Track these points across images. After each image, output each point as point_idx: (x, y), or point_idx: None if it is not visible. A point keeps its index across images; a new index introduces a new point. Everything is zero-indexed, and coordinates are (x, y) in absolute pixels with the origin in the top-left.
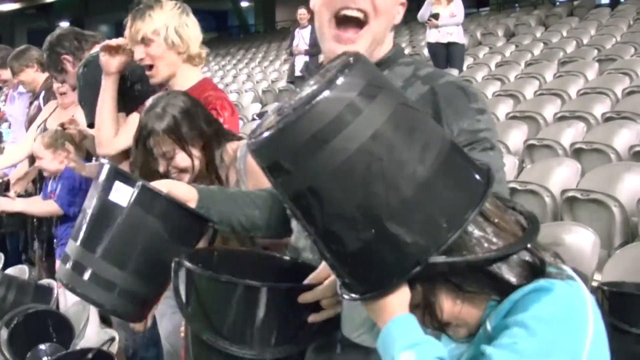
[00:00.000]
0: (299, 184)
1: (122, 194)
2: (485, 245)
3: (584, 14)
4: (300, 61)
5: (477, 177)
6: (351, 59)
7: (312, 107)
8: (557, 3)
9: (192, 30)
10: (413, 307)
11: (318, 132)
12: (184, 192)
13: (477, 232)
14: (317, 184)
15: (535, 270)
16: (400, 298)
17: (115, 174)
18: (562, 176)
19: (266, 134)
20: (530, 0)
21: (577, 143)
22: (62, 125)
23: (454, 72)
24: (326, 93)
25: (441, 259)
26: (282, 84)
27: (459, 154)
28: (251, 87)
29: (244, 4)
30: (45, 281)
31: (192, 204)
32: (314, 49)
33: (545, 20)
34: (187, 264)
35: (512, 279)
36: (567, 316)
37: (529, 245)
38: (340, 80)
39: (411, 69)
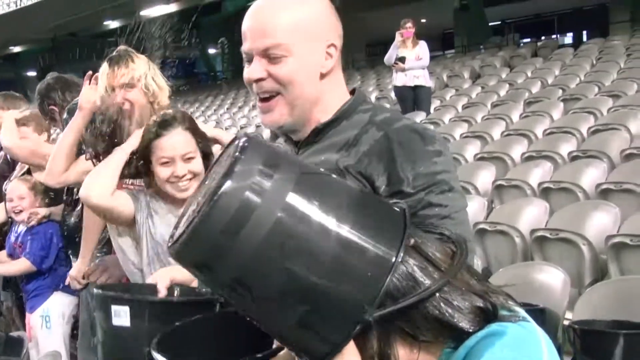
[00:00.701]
0: (224, 277)
1: (122, 316)
2: (427, 282)
3: (548, 54)
4: None
5: (395, 220)
6: (242, 142)
7: (214, 204)
8: (521, 44)
9: (162, 81)
10: (369, 359)
11: (226, 227)
12: (184, 273)
13: (415, 272)
14: (241, 274)
15: (488, 315)
16: (350, 359)
17: (109, 300)
18: (531, 216)
19: (180, 240)
20: (494, 41)
21: (544, 182)
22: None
23: (422, 114)
24: (226, 185)
25: (378, 312)
26: (251, 129)
27: (372, 203)
28: None
29: (211, 51)
30: (15, 333)
31: (195, 282)
32: None
33: (510, 61)
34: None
35: (465, 326)
36: (520, 357)
37: (485, 288)
38: (237, 168)
39: (368, 115)
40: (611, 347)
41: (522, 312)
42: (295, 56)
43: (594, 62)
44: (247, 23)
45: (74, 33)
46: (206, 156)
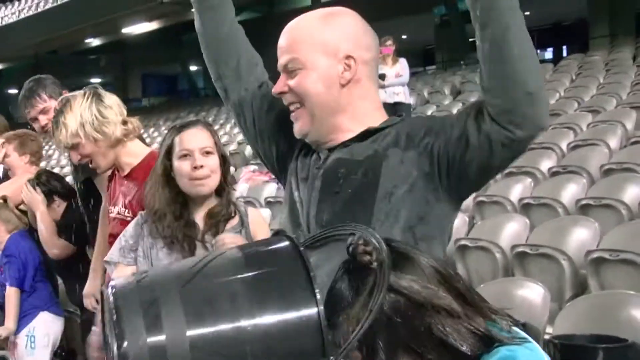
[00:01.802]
0: None
1: None
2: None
3: None
4: None
5: (296, 274)
6: (111, 298)
7: None
8: None
9: (108, 114)
10: None
11: None
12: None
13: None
14: None
15: (486, 339)
16: None
17: None
18: (511, 231)
19: None
20: (475, 57)
21: (525, 198)
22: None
23: None
24: (125, 348)
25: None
26: (233, 147)
27: (263, 274)
28: None
29: (193, 68)
30: (0, 352)
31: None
32: None
33: None
34: None
35: (466, 349)
36: None
37: (486, 309)
38: (124, 325)
39: (392, 135)
40: None
41: (521, 332)
42: (309, 69)
43: (574, 77)
44: (279, 42)
45: (55, 50)
46: (224, 160)
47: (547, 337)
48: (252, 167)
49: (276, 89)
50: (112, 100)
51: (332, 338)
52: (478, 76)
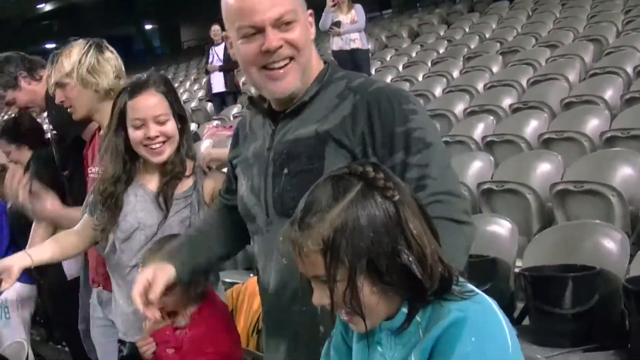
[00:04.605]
0: None
1: None
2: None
3: (484, 9)
4: (216, 78)
5: None
6: None
7: None
8: (457, 0)
9: (103, 65)
10: (338, 282)
11: None
12: (165, 277)
13: None
14: None
15: (443, 283)
16: None
17: None
18: (476, 169)
19: None
20: None
21: (488, 136)
22: None
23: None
24: None
25: None
26: (194, 104)
27: None
28: None
29: (147, 27)
30: None
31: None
32: (228, 64)
33: (447, 18)
34: None
35: (426, 285)
36: (489, 340)
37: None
38: None
39: (344, 82)
40: (561, 291)
41: (468, 284)
42: (300, 22)
43: (530, 13)
44: None
45: (8, 19)
46: (181, 119)
47: (517, 270)
48: (215, 123)
49: (272, 44)
50: (111, 55)
51: (301, 238)
52: (434, 17)
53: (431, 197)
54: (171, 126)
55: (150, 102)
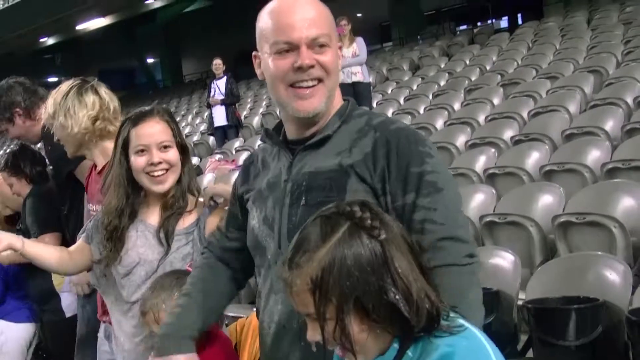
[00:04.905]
0: None
1: None
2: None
3: (485, 41)
4: (218, 111)
5: None
6: None
7: None
8: (458, 32)
9: (77, 110)
10: (327, 319)
11: None
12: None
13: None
14: None
15: (431, 319)
16: None
17: None
18: (478, 202)
19: None
20: (431, 31)
21: (490, 169)
22: None
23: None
24: None
25: None
26: (196, 137)
27: None
28: None
29: (150, 60)
30: None
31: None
32: (229, 98)
33: (447, 50)
34: None
35: (413, 322)
36: None
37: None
38: None
39: (364, 119)
40: (565, 322)
41: (459, 318)
42: (332, 48)
43: (530, 45)
44: (293, 15)
45: (11, 52)
46: (183, 150)
47: (520, 302)
48: (218, 156)
49: (306, 60)
50: (94, 97)
51: (291, 277)
52: (435, 50)
53: (435, 243)
54: (174, 154)
55: (155, 129)
